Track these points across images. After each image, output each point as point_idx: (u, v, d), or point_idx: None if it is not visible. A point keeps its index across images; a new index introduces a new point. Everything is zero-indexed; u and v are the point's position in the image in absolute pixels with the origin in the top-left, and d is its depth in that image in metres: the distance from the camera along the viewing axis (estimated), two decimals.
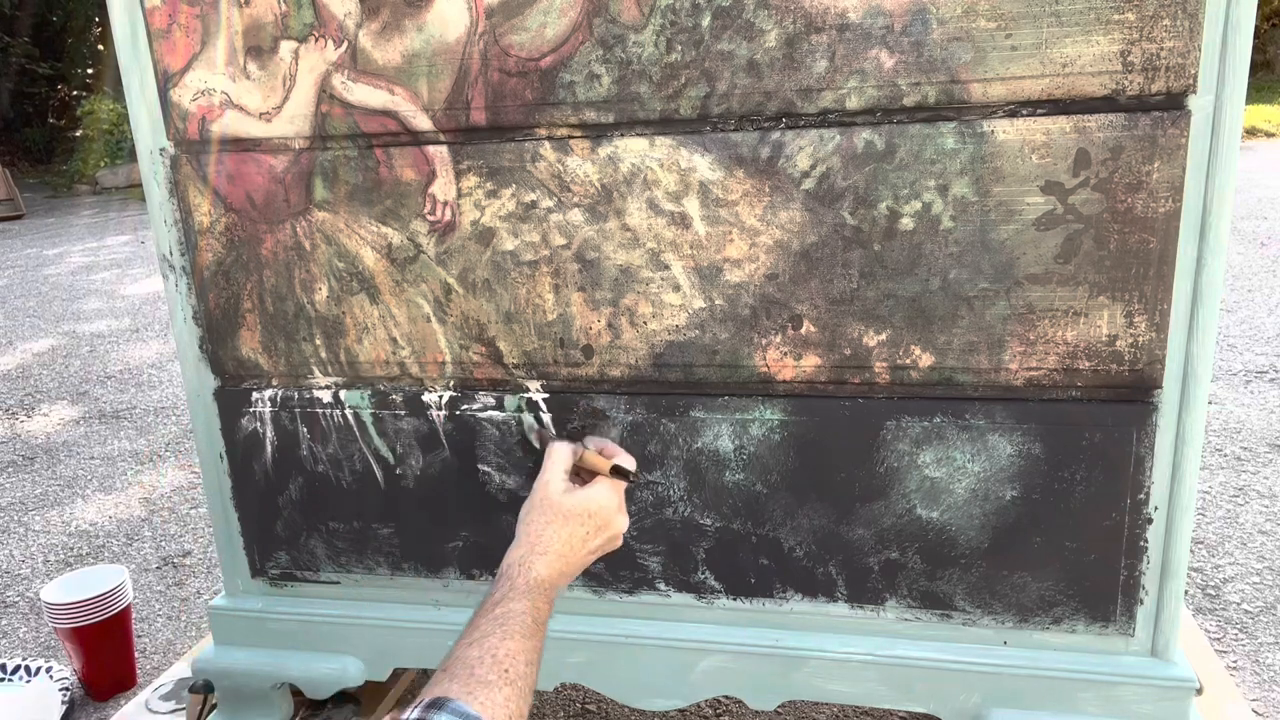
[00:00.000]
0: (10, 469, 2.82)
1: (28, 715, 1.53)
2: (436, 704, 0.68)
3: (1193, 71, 0.83)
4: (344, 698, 1.30)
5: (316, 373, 1.13)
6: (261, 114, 1.04)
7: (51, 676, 1.63)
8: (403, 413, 1.11)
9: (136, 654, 1.73)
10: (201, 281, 1.13)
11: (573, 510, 0.90)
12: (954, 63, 0.87)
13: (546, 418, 1.07)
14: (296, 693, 1.30)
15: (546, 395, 1.07)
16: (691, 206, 0.97)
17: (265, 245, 1.09)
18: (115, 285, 5.76)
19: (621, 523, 0.93)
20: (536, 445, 1.07)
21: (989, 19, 0.85)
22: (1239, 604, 1.74)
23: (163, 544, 2.26)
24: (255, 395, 1.15)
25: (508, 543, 0.95)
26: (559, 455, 0.95)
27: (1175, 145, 0.85)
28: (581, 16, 0.93)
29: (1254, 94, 9.74)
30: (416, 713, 0.68)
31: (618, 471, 0.93)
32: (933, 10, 0.86)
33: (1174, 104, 0.85)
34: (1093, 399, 0.94)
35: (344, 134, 1.03)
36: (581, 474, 0.96)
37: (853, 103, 0.90)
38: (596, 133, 0.97)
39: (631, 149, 0.96)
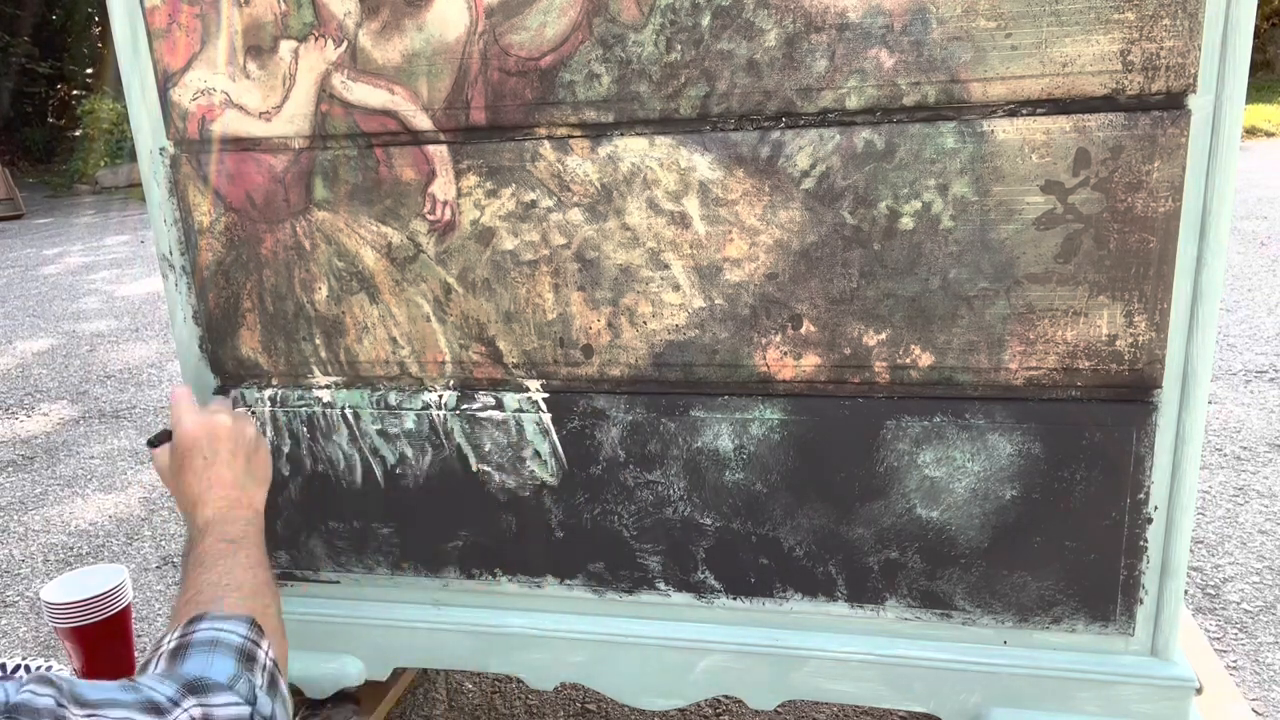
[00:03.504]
0: (10, 469, 2.82)
1: None
2: (195, 619, 0.73)
3: (1193, 71, 0.83)
4: (344, 697, 1.30)
5: (316, 372, 1.13)
6: (261, 113, 1.04)
7: None
8: (402, 412, 1.11)
9: (136, 654, 1.73)
10: (201, 281, 1.13)
11: (174, 463, 0.95)
12: (954, 62, 0.87)
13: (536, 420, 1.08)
14: (296, 692, 1.30)
15: (546, 395, 1.07)
16: (691, 206, 0.97)
17: (265, 245, 1.09)
18: (115, 285, 5.76)
19: (218, 421, 0.96)
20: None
21: (989, 18, 0.85)
22: (1239, 603, 1.74)
23: (163, 543, 2.26)
24: (255, 395, 1.15)
25: (507, 542, 0.96)
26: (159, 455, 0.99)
27: (1175, 145, 0.85)
28: (581, 16, 0.93)
29: (1254, 94, 9.74)
30: (177, 632, 0.72)
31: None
32: (932, 10, 0.86)
33: (1174, 103, 0.85)
34: (1092, 398, 0.94)
35: (344, 133, 1.03)
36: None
37: (852, 102, 0.90)
38: (596, 132, 0.97)
39: (631, 148, 0.96)
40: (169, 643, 0.71)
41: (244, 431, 0.98)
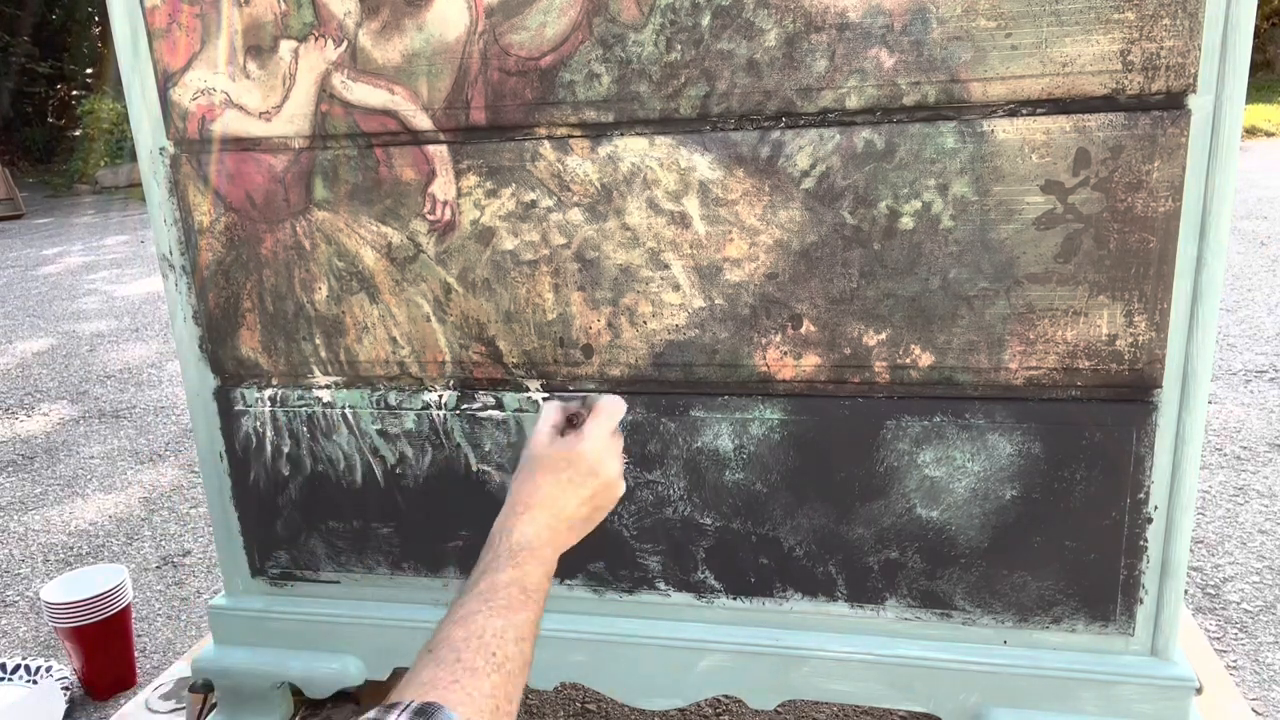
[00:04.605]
0: (10, 469, 2.82)
1: (30, 715, 1.52)
2: (424, 711, 0.64)
3: (1193, 71, 0.83)
4: (344, 697, 1.30)
5: (316, 372, 1.13)
6: (261, 113, 1.04)
7: (52, 676, 1.63)
8: (402, 412, 1.11)
9: (136, 653, 1.73)
10: (201, 281, 1.13)
11: (554, 458, 0.82)
12: (954, 62, 0.87)
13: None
14: (296, 692, 1.30)
15: (546, 395, 1.07)
16: (691, 206, 0.97)
17: (265, 245, 1.09)
18: (115, 285, 5.76)
19: (613, 467, 0.85)
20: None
21: (989, 18, 0.85)
22: (1239, 603, 1.74)
23: (163, 543, 2.26)
24: (255, 395, 1.15)
25: None
26: (547, 411, 0.88)
27: (1175, 144, 0.85)
28: (581, 16, 0.93)
29: (1254, 94, 9.74)
30: (412, 706, 0.63)
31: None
32: (932, 9, 0.86)
33: (1174, 103, 0.85)
34: (1092, 398, 0.94)
35: (344, 133, 1.03)
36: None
37: (852, 102, 0.90)
38: (596, 132, 0.97)
39: (631, 148, 0.96)
40: (399, 713, 0.62)
41: (616, 488, 0.86)
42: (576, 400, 0.91)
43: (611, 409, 0.87)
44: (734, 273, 0.98)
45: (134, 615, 1.81)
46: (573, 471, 0.82)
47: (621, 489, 0.87)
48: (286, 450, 1.17)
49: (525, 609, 0.75)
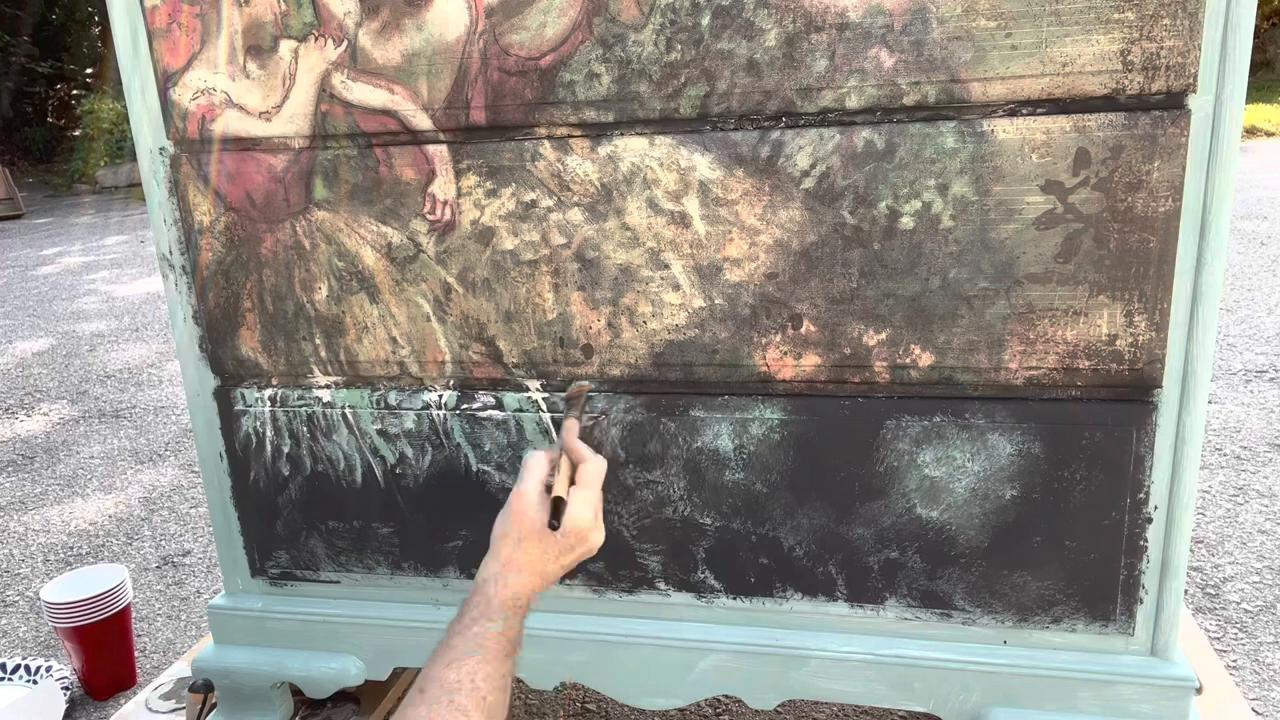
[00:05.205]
0: (10, 469, 2.82)
1: (30, 715, 1.52)
2: None
3: (1193, 71, 0.83)
4: (344, 697, 1.30)
5: (316, 372, 1.13)
6: (261, 113, 1.04)
7: (51, 676, 1.63)
8: (402, 412, 1.11)
9: (136, 653, 1.73)
10: (201, 281, 1.13)
11: (547, 536, 0.89)
12: (954, 62, 0.87)
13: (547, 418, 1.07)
14: (296, 692, 1.30)
15: (546, 395, 1.07)
16: (691, 205, 0.97)
17: (265, 244, 1.09)
18: (114, 285, 5.76)
19: (597, 538, 0.92)
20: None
21: (989, 18, 0.85)
22: (1239, 603, 1.74)
23: (163, 543, 2.26)
24: (255, 395, 1.15)
25: None
26: (535, 467, 0.93)
27: (1175, 144, 0.85)
28: (581, 16, 0.93)
29: (1254, 93, 9.73)
30: None
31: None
32: (933, 9, 0.86)
33: (1174, 103, 0.85)
34: (1092, 398, 0.94)
35: (344, 133, 1.03)
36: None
37: (852, 102, 0.90)
38: (596, 132, 0.97)
39: (631, 148, 0.96)
40: None
41: (597, 547, 0.92)
42: (556, 449, 0.96)
43: (597, 476, 0.93)
44: (734, 272, 0.98)
45: (134, 615, 1.81)
46: (563, 544, 0.89)
47: (601, 542, 0.93)
48: (286, 450, 1.17)
49: (508, 659, 0.82)
